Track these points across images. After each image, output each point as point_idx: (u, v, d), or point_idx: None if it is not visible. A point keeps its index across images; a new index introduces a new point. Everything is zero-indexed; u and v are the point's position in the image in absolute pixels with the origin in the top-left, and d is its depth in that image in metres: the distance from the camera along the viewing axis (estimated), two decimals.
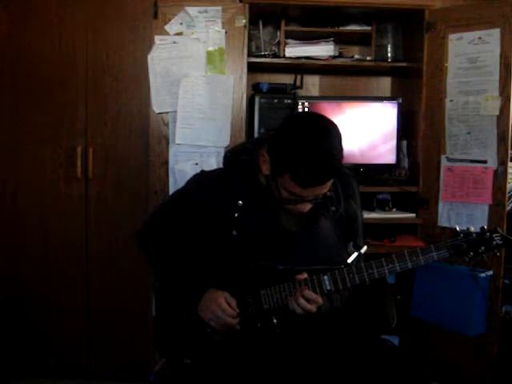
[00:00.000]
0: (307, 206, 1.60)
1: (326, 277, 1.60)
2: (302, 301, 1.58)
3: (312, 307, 1.59)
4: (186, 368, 1.76)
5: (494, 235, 1.54)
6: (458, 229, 1.56)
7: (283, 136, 1.56)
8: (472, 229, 1.56)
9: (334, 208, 1.70)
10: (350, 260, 1.64)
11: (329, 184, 1.57)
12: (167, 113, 2.58)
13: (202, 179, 1.82)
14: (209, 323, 1.68)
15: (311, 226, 1.67)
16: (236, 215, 1.68)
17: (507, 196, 2.54)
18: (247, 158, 1.73)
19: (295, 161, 1.51)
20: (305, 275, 1.61)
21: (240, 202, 1.68)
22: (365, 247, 1.66)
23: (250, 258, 1.67)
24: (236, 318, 1.66)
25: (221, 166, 1.87)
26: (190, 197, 1.78)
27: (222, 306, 1.64)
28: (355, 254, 1.64)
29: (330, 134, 1.54)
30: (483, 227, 1.56)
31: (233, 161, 1.78)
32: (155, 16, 2.53)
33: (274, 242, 1.68)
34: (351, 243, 1.71)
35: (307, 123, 1.56)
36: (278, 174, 1.57)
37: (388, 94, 3.10)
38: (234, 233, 1.67)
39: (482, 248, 1.54)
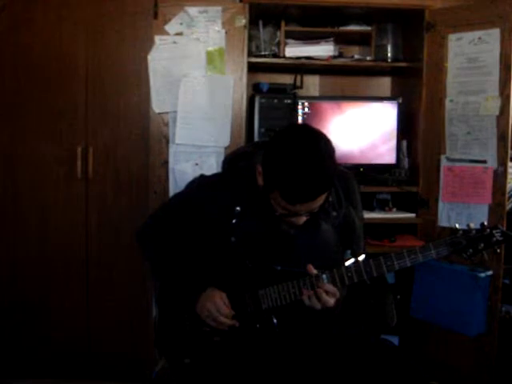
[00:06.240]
0: (301, 219, 1.59)
1: (324, 275, 1.60)
2: (324, 296, 1.57)
3: (332, 301, 1.59)
4: (185, 367, 1.76)
5: (495, 231, 1.53)
6: (457, 226, 1.56)
7: (271, 153, 1.55)
8: (472, 225, 1.54)
9: (335, 213, 1.70)
10: (346, 264, 1.64)
11: (321, 198, 1.54)
12: (167, 113, 2.59)
13: (201, 183, 1.82)
14: (206, 321, 1.68)
15: (311, 229, 1.67)
16: (234, 221, 1.68)
17: (507, 196, 2.54)
18: (246, 163, 1.73)
19: (282, 179, 1.50)
20: (314, 270, 1.60)
21: (238, 208, 1.68)
22: (363, 255, 1.65)
23: (248, 260, 1.68)
24: (232, 320, 1.66)
25: (220, 166, 1.88)
26: (190, 200, 1.79)
27: (217, 304, 1.65)
28: (351, 260, 1.63)
29: (317, 149, 1.51)
30: (483, 223, 1.54)
31: (231, 166, 1.78)
32: (155, 16, 2.54)
33: (272, 245, 1.68)
34: (349, 251, 1.71)
35: (294, 140, 1.53)
36: (269, 191, 1.57)
37: (388, 94, 3.10)
38: (233, 239, 1.68)
39: (482, 245, 1.53)
